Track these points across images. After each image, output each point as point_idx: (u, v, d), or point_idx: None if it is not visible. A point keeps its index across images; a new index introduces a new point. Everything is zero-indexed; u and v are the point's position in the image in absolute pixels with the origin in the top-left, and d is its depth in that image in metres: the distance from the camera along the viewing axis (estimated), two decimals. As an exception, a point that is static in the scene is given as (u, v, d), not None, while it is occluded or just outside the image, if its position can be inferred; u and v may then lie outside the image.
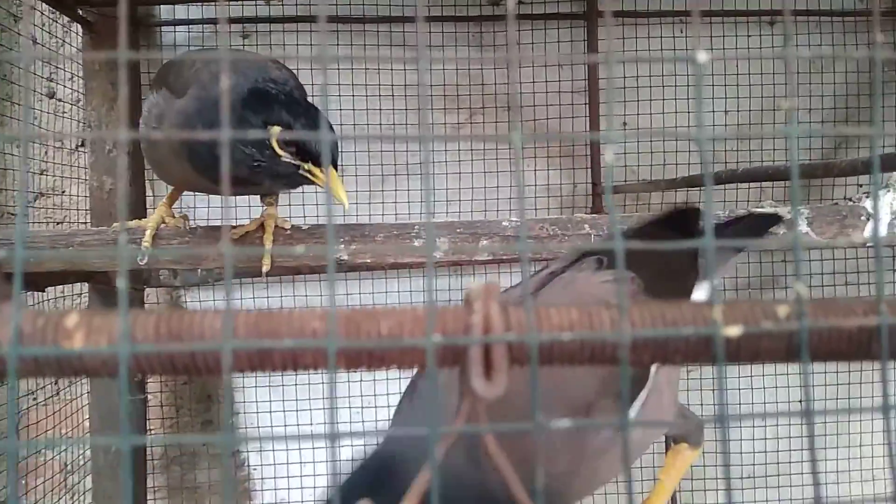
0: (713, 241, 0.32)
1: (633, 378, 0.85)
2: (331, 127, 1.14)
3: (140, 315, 0.32)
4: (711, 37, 2.03)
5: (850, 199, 1.06)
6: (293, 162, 1.09)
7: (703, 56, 0.31)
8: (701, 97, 0.30)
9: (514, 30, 0.29)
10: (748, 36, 2.06)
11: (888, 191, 0.98)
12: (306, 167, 1.09)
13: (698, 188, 1.86)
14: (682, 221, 0.97)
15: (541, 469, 0.79)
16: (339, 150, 1.13)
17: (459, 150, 2.02)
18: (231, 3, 1.88)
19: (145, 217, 1.85)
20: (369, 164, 1.98)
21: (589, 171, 2.01)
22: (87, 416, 1.85)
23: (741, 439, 2.00)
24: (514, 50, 0.30)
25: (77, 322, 0.32)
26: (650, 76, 2.01)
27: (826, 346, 0.34)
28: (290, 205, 1.85)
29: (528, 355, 0.32)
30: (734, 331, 0.32)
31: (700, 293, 0.95)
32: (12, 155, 1.76)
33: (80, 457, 1.89)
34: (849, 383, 1.99)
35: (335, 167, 1.11)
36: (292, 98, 1.12)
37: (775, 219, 1.01)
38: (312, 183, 1.11)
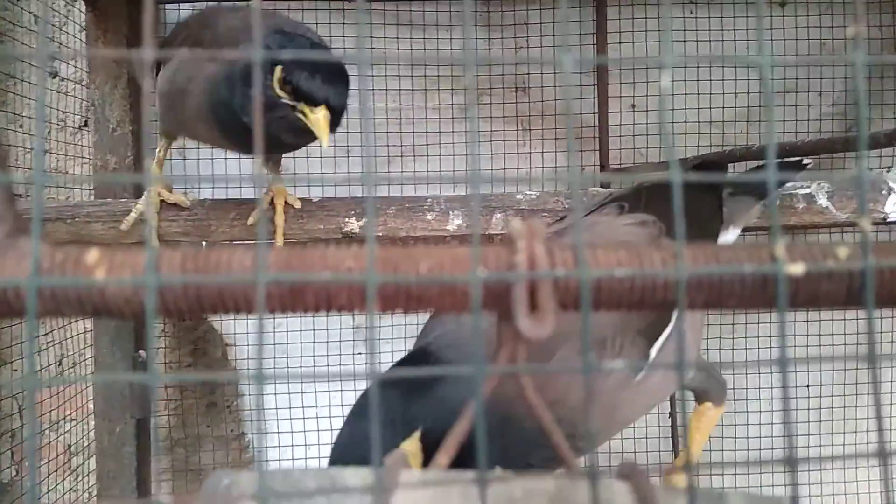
0: (774, 173, 0.30)
1: (653, 321, 0.84)
2: (341, 72, 1.10)
3: (165, 251, 0.30)
4: (722, 17, 2.01)
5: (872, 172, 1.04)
6: (289, 102, 1.07)
7: (764, -23, 0.30)
8: (761, 17, 0.28)
9: None
10: (758, 17, 2.03)
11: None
12: (300, 107, 1.07)
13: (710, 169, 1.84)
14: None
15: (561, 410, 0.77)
16: (340, 96, 1.08)
17: (466, 130, 2.00)
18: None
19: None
20: (375, 145, 1.96)
21: (597, 152, 1.98)
22: (91, 398, 1.83)
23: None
24: None
25: (98, 258, 0.30)
26: (659, 57, 1.98)
27: (889, 290, 0.32)
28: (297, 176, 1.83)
29: (574, 296, 0.30)
30: (797, 269, 0.30)
31: (725, 239, 0.93)
32: (16, 132, 1.74)
33: (84, 438, 1.88)
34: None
35: (339, 113, 1.09)
36: (306, 40, 1.12)
37: (799, 166, 1.00)
38: (303, 125, 1.08)
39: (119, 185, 1.71)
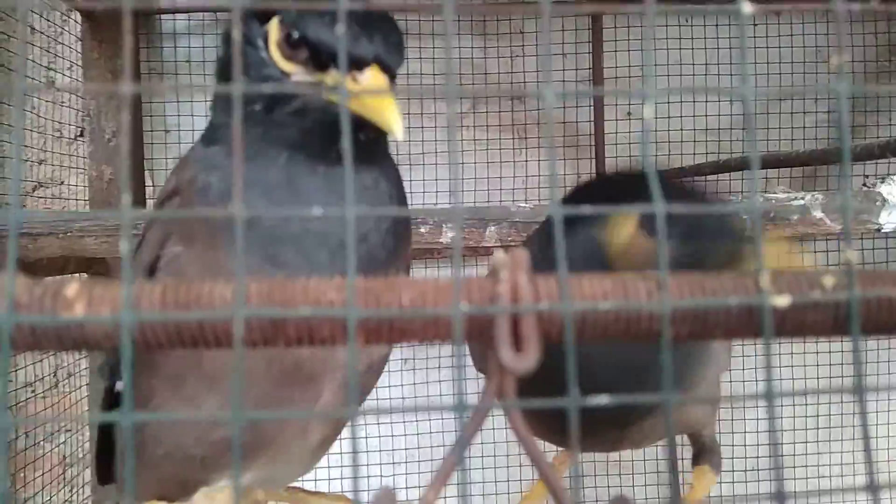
0: (758, 203, 0.30)
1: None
2: (382, 15, 0.62)
3: (145, 284, 0.30)
4: (717, 25, 2.01)
5: (865, 185, 1.04)
6: (308, 78, 0.61)
7: (747, 8, 0.29)
8: (744, 47, 0.28)
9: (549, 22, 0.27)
10: (754, 25, 2.04)
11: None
12: (329, 81, 0.60)
13: (705, 176, 1.84)
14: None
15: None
16: (396, 50, 0.61)
17: (463, 139, 2.00)
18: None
19: (145, 202, 1.83)
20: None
21: (593, 160, 1.98)
22: (87, 409, 1.83)
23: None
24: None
25: (78, 291, 0.30)
26: (655, 65, 1.98)
27: (875, 319, 0.32)
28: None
29: (559, 327, 0.30)
30: (783, 301, 0.30)
31: None
32: (9, 143, 1.74)
33: (79, 449, 1.87)
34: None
35: (391, 74, 0.61)
36: None
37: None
38: (358, 123, 0.58)
39: (115, 197, 1.71)
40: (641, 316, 0.31)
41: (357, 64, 0.58)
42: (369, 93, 0.59)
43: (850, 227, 0.30)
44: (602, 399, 0.28)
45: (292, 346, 0.30)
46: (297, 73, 0.62)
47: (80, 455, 1.87)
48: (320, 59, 0.61)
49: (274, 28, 0.62)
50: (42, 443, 1.85)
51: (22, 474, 1.77)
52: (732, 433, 1.95)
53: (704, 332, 0.32)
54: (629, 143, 1.98)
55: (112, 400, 0.86)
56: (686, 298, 0.30)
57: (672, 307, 0.29)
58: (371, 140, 0.63)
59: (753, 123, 0.27)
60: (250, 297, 0.29)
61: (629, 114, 2.03)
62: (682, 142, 1.98)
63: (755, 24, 2.02)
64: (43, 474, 1.81)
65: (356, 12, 0.60)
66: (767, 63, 2.01)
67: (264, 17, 0.63)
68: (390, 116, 0.57)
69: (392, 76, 0.61)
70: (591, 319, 0.30)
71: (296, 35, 0.61)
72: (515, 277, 0.30)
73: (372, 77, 0.59)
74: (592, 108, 1.95)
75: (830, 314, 0.32)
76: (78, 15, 1.80)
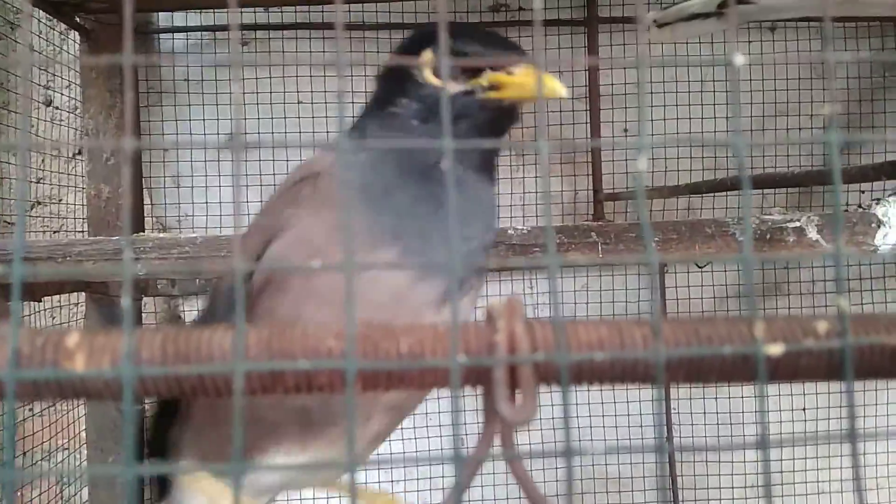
0: (751, 253, 0.30)
1: None
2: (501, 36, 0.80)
3: (145, 333, 0.30)
4: (712, 42, 2.02)
5: (861, 206, 1.04)
6: (466, 88, 0.73)
7: (740, 59, 0.30)
8: (739, 101, 0.28)
9: (540, 35, 0.28)
10: (749, 42, 2.05)
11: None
12: (484, 82, 0.73)
13: (701, 195, 1.85)
14: None
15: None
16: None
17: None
18: (229, 10, 1.86)
19: (143, 226, 1.83)
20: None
21: (590, 177, 1.99)
22: (84, 427, 1.82)
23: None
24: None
25: (78, 342, 0.30)
26: (651, 82, 1.99)
27: (868, 364, 0.32)
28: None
29: (556, 375, 0.30)
30: (776, 349, 0.30)
31: None
32: (9, 164, 1.74)
33: (77, 468, 1.87)
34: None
35: None
36: (455, 23, 0.81)
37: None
38: (503, 107, 0.74)
39: (112, 216, 1.71)
40: (638, 363, 0.31)
41: (506, 66, 0.72)
42: (525, 73, 0.71)
43: (843, 275, 0.31)
44: (598, 449, 0.28)
45: (291, 394, 0.31)
46: (454, 84, 0.74)
47: (78, 474, 1.86)
48: (473, 69, 0.73)
49: (428, 56, 0.75)
50: (39, 462, 1.85)
51: (19, 493, 1.76)
52: (723, 475, 1.94)
53: (699, 378, 0.32)
54: (626, 160, 1.98)
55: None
56: (681, 346, 0.31)
57: (667, 356, 0.30)
58: (494, 158, 0.80)
59: (747, 173, 0.27)
60: (249, 348, 0.30)
61: (626, 130, 2.03)
62: (678, 158, 1.99)
63: (750, 42, 2.04)
64: (41, 494, 1.80)
65: (493, 35, 0.78)
66: (763, 80, 2.02)
67: (412, 49, 0.78)
68: (552, 83, 0.68)
69: None
70: (587, 367, 0.31)
71: (451, 51, 0.71)
72: (512, 326, 0.31)
73: (524, 70, 0.72)
74: (589, 124, 1.96)
75: (824, 360, 0.32)
76: (76, 34, 1.81)
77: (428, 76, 0.75)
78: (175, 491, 0.91)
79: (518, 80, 0.71)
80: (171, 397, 0.30)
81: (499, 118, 0.76)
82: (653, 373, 0.31)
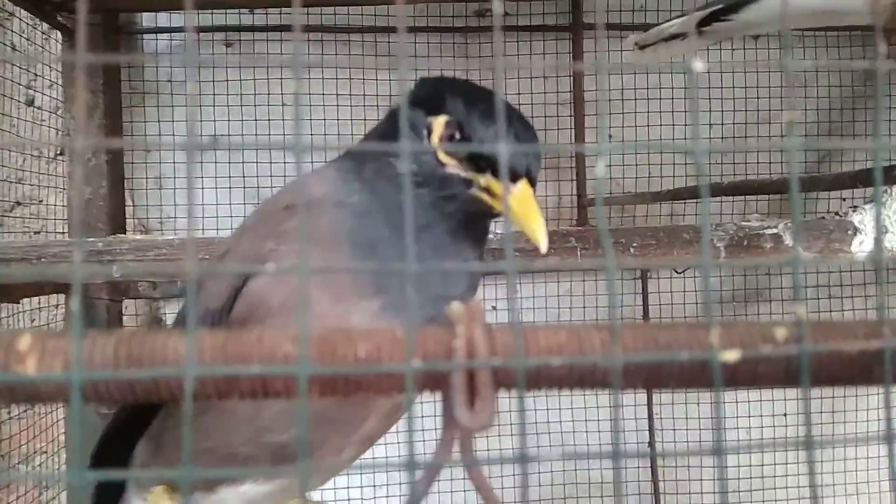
0: (709, 260, 0.30)
1: None
2: (528, 126, 0.74)
3: (98, 337, 0.30)
4: (696, 50, 2.03)
5: (838, 214, 1.05)
6: (460, 174, 0.70)
7: (699, 65, 0.30)
8: (697, 108, 0.28)
9: (500, 41, 0.28)
10: (732, 49, 2.06)
11: (888, 201, 0.97)
12: (482, 182, 0.70)
13: (683, 200, 1.85)
14: None
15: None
16: (538, 162, 0.72)
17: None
18: (214, 11, 1.86)
19: (124, 228, 1.82)
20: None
21: (574, 182, 1.99)
22: (63, 431, 1.80)
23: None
24: (500, 60, 0.28)
25: (30, 344, 0.30)
26: (635, 88, 2.00)
27: (826, 370, 0.32)
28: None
29: (513, 380, 0.30)
30: (732, 355, 0.30)
31: None
32: (-12, 163, 1.72)
33: (55, 471, 1.85)
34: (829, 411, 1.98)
35: (532, 184, 0.71)
36: (474, 86, 0.76)
37: None
38: (489, 211, 0.72)
39: (93, 217, 1.70)
40: (596, 369, 0.31)
41: (511, 176, 0.68)
42: (517, 199, 0.69)
43: (800, 281, 0.31)
44: (554, 455, 0.28)
45: (247, 399, 0.30)
46: (453, 167, 0.71)
47: (56, 478, 1.85)
48: (479, 162, 0.70)
49: (440, 124, 0.72)
50: (17, 465, 1.83)
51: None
52: (705, 480, 1.95)
53: (658, 384, 0.32)
54: (610, 165, 1.99)
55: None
56: (639, 352, 0.31)
57: (623, 361, 0.30)
58: (485, 231, 0.78)
59: (706, 179, 0.27)
60: (203, 352, 0.29)
61: (610, 136, 2.04)
62: (661, 164, 2.00)
63: (733, 49, 2.05)
64: (18, 498, 1.78)
65: (513, 121, 0.71)
66: (745, 87, 2.03)
67: (430, 108, 0.72)
68: (537, 229, 0.69)
69: (534, 186, 0.71)
70: (545, 373, 0.31)
71: (458, 137, 0.71)
72: (471, 331, 0.31)
73: (522, 189, 0.69)
74: (573, 130, 1.97)
75: (782, 366, 0.32)
76: (59, 34, 1.80)
77: (435, 143, 0.71)
78: None
79: (511, 202, 0.68)
80: (126, 403, 0.30)
81: (488, 211, 0.73)
82: (610, 379, 0.31)
